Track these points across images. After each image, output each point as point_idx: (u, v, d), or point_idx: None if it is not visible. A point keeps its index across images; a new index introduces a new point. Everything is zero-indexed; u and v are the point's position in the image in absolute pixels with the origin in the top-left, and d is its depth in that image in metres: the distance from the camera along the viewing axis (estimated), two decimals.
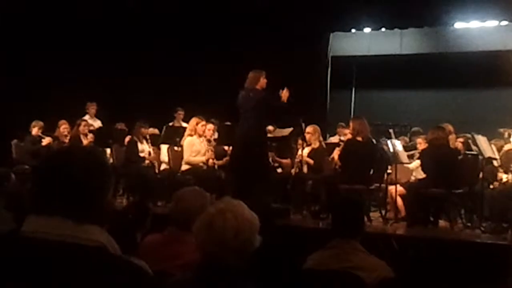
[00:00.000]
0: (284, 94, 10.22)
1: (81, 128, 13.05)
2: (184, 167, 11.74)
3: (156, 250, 4.55)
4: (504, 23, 15.05)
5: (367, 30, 16.69)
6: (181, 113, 14.59)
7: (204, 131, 11.88)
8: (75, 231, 1.97)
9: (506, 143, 11.09)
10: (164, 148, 12.51)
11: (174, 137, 12.27)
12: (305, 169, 11.52)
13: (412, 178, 11.04)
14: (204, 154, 11.80)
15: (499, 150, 10.88)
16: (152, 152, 12.65)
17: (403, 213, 10.23)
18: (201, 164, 11.79)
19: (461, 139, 11.46)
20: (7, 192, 6.65)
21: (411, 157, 11.41)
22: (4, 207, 6.23)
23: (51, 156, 2.19)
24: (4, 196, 6.55)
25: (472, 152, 10.72)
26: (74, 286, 1.86)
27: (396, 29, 16.39)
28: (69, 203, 2.00)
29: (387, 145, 10.50)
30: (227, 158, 11.70)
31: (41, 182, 2.06)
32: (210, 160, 11.82)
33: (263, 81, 10.19)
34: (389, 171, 10.59)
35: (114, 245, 2.05)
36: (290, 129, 11.69)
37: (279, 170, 12.26)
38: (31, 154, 12.26)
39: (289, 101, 10.17)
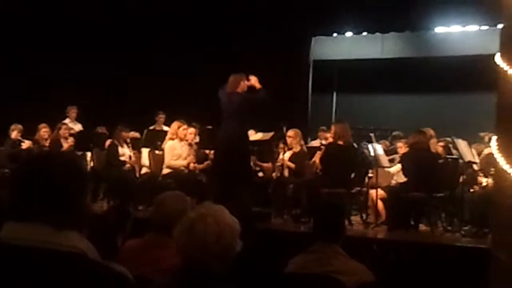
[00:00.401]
0: (253, 79, 10.22)
1: (61, 131, 12.99)
2: (165, 171, 11.71)
3: (137, 254, 4.53)
4: (485, 27, 15.11)
5: (348, 34, 16.73)
6: (162, 117, 14.58)
7: (185, 135, 11.85)
8: (54, 237, 1.96)
9: (486, 147, 11.13)
10: (145, 151, 12.48)
11: (155, 140, 12.24)
12: (286, 173, 11.53)
13: (393, 182, 11.06)
14: (185, 158, 11.77)
15: (479, 154, 10.91)
16: (133, 156, 12.62)
17: (384, 217, 10.24)
18: (182, 168, 11.76)
19: (441, 143, 11.50)
20: None
21: (392, 161, 11.44)
22: None
23: (29, 160, 2.18)
24: None
25: (453, 156, 10.76)
26: None
27: (377, 33, 16.43)
28: (48, 208, 1.99)
29: (368, 149, 10.52)
30: (208, 162, 11.70)
31: (19, 186, 2.05)
32: (191, 164, 11.80)
33: (243, 84, 10.18)
34: (370, 175, 10.60)
35: (93, 251, 2.04)
36: (272, 133, 11.70)
37: (261, 174, 12.27)
38: (11, 158, 12.19)
39: (264, 88, 10.18)
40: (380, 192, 10.25)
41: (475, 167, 10.60)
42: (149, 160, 12.18)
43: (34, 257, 1.91)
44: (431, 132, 11.45)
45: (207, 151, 12.08)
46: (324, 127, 14.05)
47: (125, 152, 12.49)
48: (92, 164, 12.50)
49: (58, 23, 14.94)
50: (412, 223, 10.03)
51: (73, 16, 14.94)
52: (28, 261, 1.90)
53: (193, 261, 3.14)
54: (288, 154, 11.54)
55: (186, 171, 11.77)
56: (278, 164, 11.57)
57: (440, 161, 10.59)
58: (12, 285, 1.86)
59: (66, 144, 12.71)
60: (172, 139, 11.81)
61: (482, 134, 11.86)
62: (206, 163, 11.88)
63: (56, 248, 1.94)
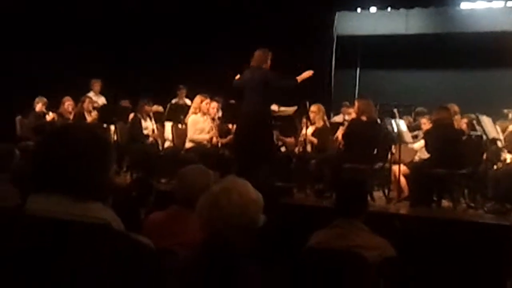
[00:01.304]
0: (307, 74, 10.17)
1: (85, 105, 13.05)
2: (188, 144, 11.73)
3: (160, 227, 4.55)
4: (511, 3, 14.98)
5: (373, 9, 16.67)
6: (183, 91, 14.57)
7: (208, 109, 11.86)
8: (78, 208, 1.97)
9: (510, 124, 11.06)
10: (168, 125, 12.49)
11: (178, 114, 12.25)
12: (309, 148, 11.50)
13: (416, 158, 11.03)
14: (208, 132, 11.79)
15: (503, 131, 10.85)
16: (156, 129, 12.65)
17: (406, 192, 10.21)
18: (205, 142, 11.78)
19: (465, 120, 11.44)
20: (12, 169, 6.66)
21: (415, 137, 11.40)
22: (10, 184, 6.25)
23: (53, 132, 2.19)
24: (9, 173, 6.58)
25: (476, 133, 10.69)
26: (78, 263, 1.86)
27: (402, 9, 16.35)
28: (70, 180, 2.00)
29: (391, 125, 10.47)
30: (231, 136, 11.68)
31: (42, 158, 2.06)
32: (214, 138, 11.82)
33: (269, 61, 10.13)
34: (393, 151, 10.56)
35: (118, 221, 2.05)
36: (295, 108, 11.67)
37: (283, 149, 12.27)
38: (35, 130, 12.27)
39: (297, 81, 10.13)
40: (403, 168, 10.22)
41: (499, 143, 10.53)
42: (172, 134, 12.20)
43: (59, 228, 1.92)
44: (455, 108, 11.40)
45: (229, 126, 12.08)
46: (347, 103, 14.03)
47: (148, 125, 12.52)
48: (115, 137, 12.54)
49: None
50: (435, 199, 10.00)
51: None
52: (53, 232, 1.92)
53: (216, 235, 3.15)
54: (311, 129, 11.52)
55: (209, 145, 11.79)
56: (300, 139, 11.54)
57: (464, 137, 10.53)
58: (38, 257, 1.88)
59: (89, 117, 12.77)
60: (195, 113, 11.82)
61: (505, 110, 11.79)
62: (228, 137, 11.88)
63: (81, 219, 1.95)
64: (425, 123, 11.24)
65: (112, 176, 2.21)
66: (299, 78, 10.11)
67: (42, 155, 2.07)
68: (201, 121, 11.75)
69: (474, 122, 10.99)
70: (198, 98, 11.95)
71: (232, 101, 12.09)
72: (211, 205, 3.18)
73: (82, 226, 1.94)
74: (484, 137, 10.21)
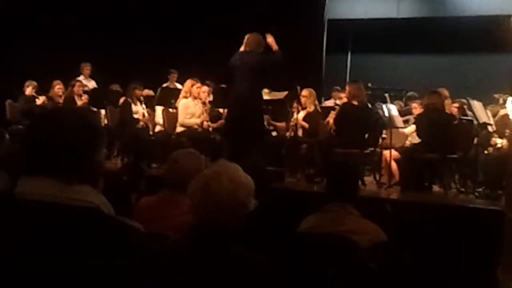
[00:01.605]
0: (270, 39, 10.15)
1: (75, 88, 13.02)
2: (179, 129, 11.71)
3: (151, 212, 4.55)
4: None
5: None
6: (174, 75, 14.53)
7: (199, 93, 11.83)
8: (68, 192, 1.97)
9: (502, 108, 11.08)
10: (159, 109, 12.46)
11: (169, 99, 12.21)
12: (300, 132, 11.50)
13: (407, 143, 11.04)
14: (199, 117, 11.77)
15: (494, 115, 10.87)
16: (146, 113, 12.62)
17: (397, 177, 10.23)
18: (195, 126, 11.76)
19: (456, 104, 11.44)
20: (1, 152, 6.64)
21: (406, 121, 11.40)
22: (0, 167, 6.23)
23: (42, 115, 2.18)
24: None
25: (467, 118, 10.72)
26: (68, 247, 1.86)
27: None
28: (60, 164, 1.99)
29: (382, 109, 10.48)
30: (222, 120, 11.67)
31: (32, 141, 2.06)
32: (205, 123, 11.80)
33: (260, 44, 10.09)
34: (384, 135, 10.57)
35: (108, 205, 2.05)
36: (286, 92, 11.66)
37: (274, 134, 12.26)
38: (25, 114, 12.24)
39: (279, 50, 10.10)
40: (394, 152, 10.23)
41: (490, 128, 10.55)
42: (163, 118, 12.17)
43: (49, 211, 1.92)
44: (446, 92, 11.41)
45: (220, 110, 12.06)
46: (338, 87, 14.02)
47: (138, 109, 12.49)
48: (106, 121, 12.52)
49: None
50: (426, 184, 10.03)
51: None
52: (43, 215, 1.91)
53: (207, 218, 3.15)
54: (302, 114, 11.52)
55: (200, 129, 11.77)
56: (292, 123, 11.54)
57: (455, 122, 10.54)
58: (27, 239, 1.87)
59: (80, 101, 12.74)
60: (185, 97, 11.79)
61: (496, 95, 11.80)
62: (219, 121, 11.86)
63: (70, 202, 1.95)
64: (416, 108, 11.25)
65: (103, 160, 2.20)
66: (274, 45, 10.10)
67: (32, 139, 2.07)
68: (192, 105, 11.72)
69: (465, 107, 11.02)
70: (188, 82, 11.92)
71: (223, 85, 12.06)
72: (202, 189, 3.18)
73: (72, 209, 1.94)
74: (475, 122, 10.23)
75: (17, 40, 14.09)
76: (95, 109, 12.12)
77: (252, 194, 3.26)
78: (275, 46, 10.10)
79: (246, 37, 10.07)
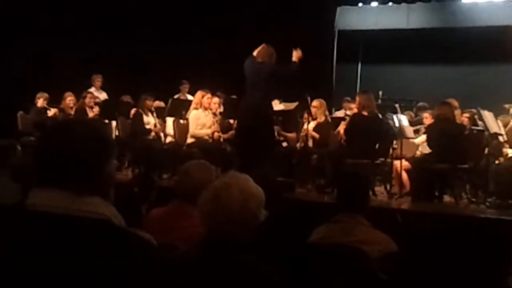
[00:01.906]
0: (297, 53, 10.15)
1: (87, 100, 13.07)
2: (190, 140, 11.74)
3: (161, 223, 4.56)
4: None
5: (374, 4, 16.65)
6: (186, 86, 14.59)
7: (209, 104, 11.86)
8: (79, 203, 1.97)
9: None
10: (169, 120, 12.49)
11: (180, 110, 12.24)
12: (310, 143, 11.50)
13: (418, 153, 11.03)
14: (210, 127, 11.79)
15: (505, 125, 10.85)
16: (157, 124, 12.64)
17: (408, 188, 10.22)
18: (206, 137, 11.78)
19: (467, 115, 11.43)
20: (13, 164, 6.67)
21: (417, 132, 11.40)
22: (11, 179, 6.26)
23: (54, 127, 2.19)
24: (10, 167, 6.58)
25: (478, 128, 10.70)
26: (79, 259, 1.86)
27: (403, 4, 16.34)
28: (71, 175, 2.00)
29: (393, 119, 10.48)
30: (233, 131, 11.69)
31: (43, 153, 2.06)
32: (216, 133, 11.82)
33: (274, 56, 10.10)
34: (394, 146, 10.57)
35: (118, 217, 2.05)
36: (296, 103, 11.66)
37: (285, 144, 12.26)
38: (36, 126, 12.28)
39: (300, 62, 10.10)
40: (405, 163, 10.23)
41: (501, 138, 10.53)
42: (174, 129, 12.20)
43: (60, 223, 1.92)
44: (456, 103, 11.40)
45: (231, 121, 12.08)
46: (348, 98, 14.01)
47: (150, 120, 12.52)
48: (117, 132, 12.55)
49: None
50: (437, 194, 10.01)
51: None
52: (54, 227, 1.92)
53: (217, 230, 3.15)
54: (312, 124, 11.52)
55: (210, 140, 11.79)
56: (302, 134, 11.54)
57: (466, 132, 10.53)
58: (38, 251, 1.88)
59: (91, 113, 12.78)
60: (196, 108, 11.82)
61: (507, 105, 11.77)
62: (230, 132, 11.88)
63: (81, 214, 1.95)
64: (427, 118, 11.23)
65: (114, 172, 2.21)
66: (295, 59, 10.11)
67: (43, 150, 2.07)
68: (202, 116, 11.75)
69: (476, 117, 10.99)
70: (199, 94, 11.96)
71: (234, 96, 12.09)
72: (212, 200, 3.18)
73: (83, 221, 1.94)
74: (486, 132, 10.21)
75: (29, 52, 14.14)
76: (106, 121, 12.13)
77: (262, 205, 3.27)
78: (295, 58, 10.11)
79: (259, 49, 10.09)
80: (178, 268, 3.00)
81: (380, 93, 13.46)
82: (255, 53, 10.13)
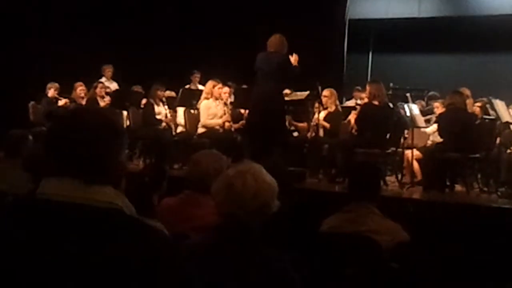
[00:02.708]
0: (294, 58, 10.16)
1: (98, 90, 13.08)
2: (201, 130, 11.74)
3: (173, 212, 4.57)
4: None
5: None
6: (197, 76, 14.58)
7: (220, 94, 11.86)
8: (90, 192, 1.97)
9: None
10: (180, 110, 12.48)
11: (191, 99, 12.24)
12: (321, 132, 11.49)
13: (429, 142, 11.00)
14: (221, 117, 11.79)
15: None
16: (168, 114, 12.63)
17: (419, 177, 10.20)
18: (217, 127, 11.78)
19: (478, 104, 11.41)
20: (24, 154, 6.69)
21: (428, 121, 11.37)
22: (23, 168, 6.28)
23: (64, 116, 2.19)
24: (22, 157, 6.61)
25: (490, 117, 10.67)
26: (90, 248, 1.86)
27: None
28: (82, 164, 2.00)
29: (404, 109, 10.45)
30: (243, 121, 11.68)
31: (54, 142, 2.06)
32: (227, 123, 11.82)
33: (286, 47, 10.09)
34: (405, 135, 10.55)
35: (130, 207, 2.05)
36: (307, 92, 11.64)
37: (295, 134, 12.26)
38: (47, 116, 12.29)
39: (299, 67, 10.12)
40: (416, 152, 10.20)
41: None
42: (185, 119, 12.19)
43: (71, 212, 1.92)
44: (467, 92, 11.37)
45: (242, 111, 12.07)
46: (359, 87, 13.99)
47: (161, 111, 12.51)
48: (128, 122, 12.56)
49: None
50: (448, 183, 9.99)
51: None
52: (66, 216, 1.92)
53: (230, 217, 3.15)
54: (323, 114, 11.51)
55: (221, 130, 11.79)
56: (313, 123, 11.54)
57: (477, 121, 10.50)
58: (50, 240, 1.88)
59: (102, 103, 12.79)
60: (207, 98, 11.83)
61: None
62: (241, 122, 11.87)
63: (92, 203, 1.95)
64: (438, 107, 11.21)
65: (125, 161, 2.21)
66: (294, 63, 10.13)
67: (54, 140, 2.07)
68: (213, 106, 11.75)
69: (488, 106, 10.96)
70: (210, 83, 11.96)
71: (245, 86, 12.07)
72: (226, 187, 3.18)
73: (95, 210, 1.94)
74: (498, 121, 10.18)
75: (39, 42, 14.15)
76: (117, 110, 12.14)
77: (275, 196, 3.26)
78: (294, 62, 10.12)
79: (270, 38, 10.08)
80: (191, 257, 3.00)
81: (391, 84, 13.41)
82: (268, 43, 10.12)
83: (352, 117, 11.17)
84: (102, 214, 1.94)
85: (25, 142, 7.13)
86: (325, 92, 11.53)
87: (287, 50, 10.07)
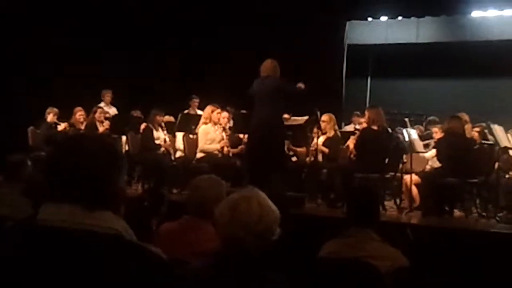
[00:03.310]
0: (300, 85, 10.19)
1: (97, 115, 13.11)
2: (199, 154, 11.76)
3: (172, 237, 4.56)
4: None
5: (383, 18, 16.65)
6: (196, 101, 14.61)
7: (219, 119, 11.89)
8: (89, 218, 1.98)
9: None
10: (179, 135, 12.52)
11: (190, 124, 12.28)
12: (320, 157, 11.49)
13: (428, 167, 11.01)
14: (219, 142, 11.81)
15: None
16: (167, 139, 12.66)
17: (418, 202, 10.20)
18: (216, 152, 11.80)
19: (477, 129, 11.43)
20: (24, 179, 6.70)
21: (426, 146, 11.38)
22: (22, 194, 6.29)
23: (64, 142, 2.20)
24: (21, 182, 6.61)
25: (488, 142, 10.69)
26: (90, 274, 1.87)
27: (413, 18, 16.35)
28: (82, 190, 2.00)
29: (402, 134, 10.47)
30: (242, 146, 11.71)
31: (54, 168, 2.07)
32: (225, 148, 11.84)
33: (279, 70, 10.13)
34: (404, 160, 10.56)
35: (129, 231, 2.06)
36: (306, 117, 11.66)
37: (294, 159, 12.26)
38: (46, 141, 12.31)
39: (307, 88, 10.15)
40: (414, 177, 10.21)
41: (511, 152, 10.51)
42: (183, 144, 12.22)
43: (71, 238, 1.93)
44: (466, 117, 11.38)
45: (241, 136, 12.09)
46: (358, 112, 14.02)
47: (160, 135, 12.54)
48: (127, 147, 12.58)
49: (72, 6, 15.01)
50: (447, 208, 9.98)
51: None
52: (65, 242, 1.92)
53: (232, 241, 3.15)
54: (322, 139, 11.52)
55: (220, 155, 11.81)
56: (312, 148, 11.55)
57: (476, 146, 10.53)
58: (50, 266, 1.88)
59: (101, 128, 12.81)
60: (205, 123, 11.86)
61: None
62: (240, 147, 11.90)
63: (93, 229, 1.96)
64: (437, 132, 11.23)
65: (124, 186, 2.22)
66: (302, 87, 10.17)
67: (54, 165, 2.08)
68: (212, 131, 11.78)
69: (486, 131, 10.98)
70: (208, 108, 11.99)
71: (244, 111, 12.10)
72: (231, 209, 3.19)
73: (94, 236, 1.95)
74: (496, 146, 10.20)
75: (39, 67, 14.19)
76: (116, 136, 12.16)
77: (278, 222, 3.27)
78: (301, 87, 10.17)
79: (263, 63, 10.12)
80: (190, 283, 3.00)
81: (390, 108, 13.47)
82: (261, 68, 10.16)
83: (351, 142, 11.18)
84: (101, 240, 1.94)
85: (24, 167, 7.13)
86: (324, 117, 11.55)
87: (287, 75, 10.11)
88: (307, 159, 11.75)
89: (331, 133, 11.65)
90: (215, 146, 11.78)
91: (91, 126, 12.76)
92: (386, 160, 10.44)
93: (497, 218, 9.53)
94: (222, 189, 4.69)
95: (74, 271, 1.87)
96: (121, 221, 2.06)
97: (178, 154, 12.56)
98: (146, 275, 1.92)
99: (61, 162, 2.05)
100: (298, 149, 12.24)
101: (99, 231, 1.97)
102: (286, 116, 11.38)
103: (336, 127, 11.99)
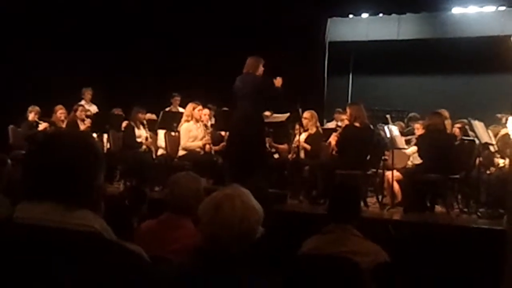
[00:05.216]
0: (278, 81, 10.20)
1: (78, 113, 13.05)
2: (181, 152, 11.73)
3: (152, 235, 4.55)
4: (502, 8, 15.05)
5: (364, 15, 16.68)
6: (177, 99, 14.58)
7: (200, 116, 11.86)
8: (68, 216, 1.95)
9: (503, 128, 11.08)
10: (161, 133, 12.49)
11: (171, 122, 12.24)
12: (302, 154, 11.51)
13: (409, 163, 11.05)
14: (201, 140, 11.79)
15: (496, 135, 10.87)
16: (149, 137, 12.63)
17: (399, 198, 10.23)
18: (198, 149, 11.78)
19: (458, 125, 11.47)
20: (3, 178, 6.66)
21: (408, 142, 11.41)
22: (2, 193, 6.24)
23: (42, 140, 2.18)
24: (1, 182, 6.57)
25: (469, 138, 10.73)
26: (68, 273, 1.85)
27: (393, 15, 16.37)
28: (60, 188, 1.98)
29: (384, 130, 10.50)
30: (224, 143, 11.69)
31: (32, 166, 2.05)
32: (207, 146, 11.82)
33: (261, 69, 10.14)
34: (385, 156, 10.58)
35: (108, 230, 2.04)
36: (287, 114, 11.67)
37: (276, 156, 12.26)
38: (27, 140, 12.24)
39: (282, 88, 10.17)
40: (396, 173, 10.25)
41: (492, 148, 10.56)
42: (165, 141, 12.19)
43: (48, 236, 1.91)
44: (446, 113, 11.45)
45: (222, 133, 12.09)
46: (340, 109, 14.03)
47: (141, 133, 12.51)
48: (108, 145, 12.53)
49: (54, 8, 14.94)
50: (428, 204, 10.03)
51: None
52: (42, 240, 1.90)
53: (214, 240, 3.15)
54: (304, 136, 11.54)
55: (202, 152, 11.79)
56: (294, 145, 11.56)
57: (457, 142, 10.57)
58: (26, 265, 1.87)
59: (83, 126, 12.76)
60: (187, 121, 11.83)
61: (499, 115, 11.81)
62: (221, 144, 11.88)
63: (71, 227, 1.94)
64: (418, 129, 11.26)
65: (103, 184, 2.20)
66: (278, 85, 10.18)
67: (32, 163, 2.05)
68: (194, 129, 11.75)
69: (467, 127, 11.03)
70: (190, 106, 11.97)
71: (225, 108, 12.09)
72: (214, 208, 3.18)
73: (72, 234, 1.93)
74: (477, 142, 10.24)
75: (19, 66, 14.12)
76: (97, 133, 12.11)
77: (260, 221, 3.27)
78: (278, 85, 10.18)
79: (247, 60, 10.14)
80: (171, 281, 2.99)
81: (371, 105, 13.49)
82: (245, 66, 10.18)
83: (333, 138, 11.19)
84: (79, 238, 1.93)
85: (4, 166, 7.08)
86: (306, 114, 11.56)
87: (269, 73, 10.12)
88: (289, 156, 11.76)
89: (313, 130, 11.66)
90: (197, 144, 11.75)
91: (72, 124, 12.70)
92: (368, 157, 10.46)
93: (479, 214, 9.57)
94: (200, 185, 4.69)
95: (50, 270, 1.85)
96: (100, 220, 2.04)
97: (160, 152, 12.54)
98: (125, 273, 1.91)
99: (39, 159, 2.03)
100: (280, 146, 12.24)
101: (77, 229, 1.94)
102: (267, 113, 11.39)
103: (318, 124, 12.01)
